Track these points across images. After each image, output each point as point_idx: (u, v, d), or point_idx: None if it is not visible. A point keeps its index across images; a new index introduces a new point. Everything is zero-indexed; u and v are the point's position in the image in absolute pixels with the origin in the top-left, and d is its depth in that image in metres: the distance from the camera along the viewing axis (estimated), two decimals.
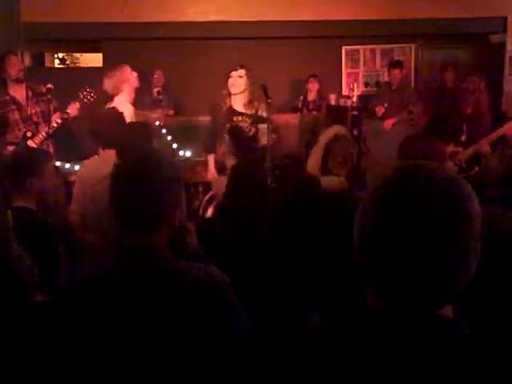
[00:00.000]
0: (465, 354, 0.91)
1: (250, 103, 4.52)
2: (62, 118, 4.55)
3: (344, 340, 0.96)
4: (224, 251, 2.59)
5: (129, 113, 4.27)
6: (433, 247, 0.91)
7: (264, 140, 4.37)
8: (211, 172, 4.45)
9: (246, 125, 4.52)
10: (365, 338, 0.94)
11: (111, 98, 4.33)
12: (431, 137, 2.96)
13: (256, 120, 4.46)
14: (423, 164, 0.98)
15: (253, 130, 4.48)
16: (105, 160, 3.01)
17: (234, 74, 4.51)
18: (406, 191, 0.93)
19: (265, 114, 4.39)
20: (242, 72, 4.51)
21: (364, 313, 0.98)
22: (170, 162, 1.68)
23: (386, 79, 7.14)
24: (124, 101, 4.33)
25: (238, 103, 4.54)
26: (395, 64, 6.77)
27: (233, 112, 4.52)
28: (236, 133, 4.05)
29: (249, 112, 4.53)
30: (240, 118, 4.52)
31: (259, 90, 4.47)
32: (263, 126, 4.39)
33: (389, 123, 6.33)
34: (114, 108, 3.83)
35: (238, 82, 4.50)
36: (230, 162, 3.91)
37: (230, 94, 4.50)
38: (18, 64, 4.68)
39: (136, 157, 1.64)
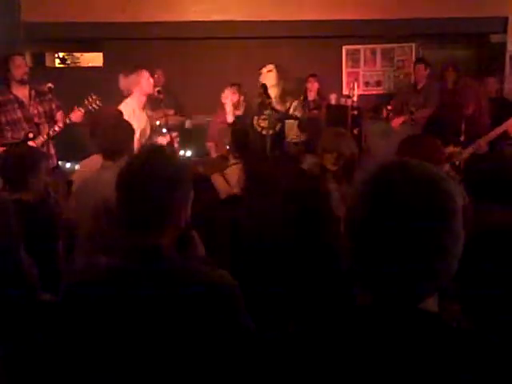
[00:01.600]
0: (447, 345, 0.93)
1: (281, 98, 4.62)
2: (64, 123, 4.57)
3: (336, 334, 0.97)
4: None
5: (134, 116, 4.29)
6: (412, 242, 0.93)
7: (292, 135, 4.46)
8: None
9: (273, 119, 4.60)
10: (352, 332, 0.96)
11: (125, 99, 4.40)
12: (431, 137, 2.96)
13: (284, 116, 4.57)
14: (406, 162, 1.00)
15: (279, 125, 4.57)
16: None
17: (263, 70, 4.66)
18: (387, 188, 0.95)
19: (298, 113, 4.50)
20: (270, 67, 4.64)
21: (351, 309, 1.00)
22: (177, 161, 1.65)
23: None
24: (132, 103, 4.36)
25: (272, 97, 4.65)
26: (418, 60, 6.73)
27: (265, 106, 4.60)
28: (238, 135, 4.06)
29: (280, 107, 4.63)
30: (269, 112, 4.60)
31: (292, 87, 4.58)
32: (291, 122, 4.50)
33: (396, 122, 6.29)
34: (114, 110, 3.84)
35: (268, 76, 4.63)
36: (231, 160, 3.94)
37: (265, 90, 4.59)
38: (23, 66, 4.69)
39: (143, 155, 1.62)
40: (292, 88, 7.38)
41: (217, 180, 3.88)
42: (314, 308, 2.13)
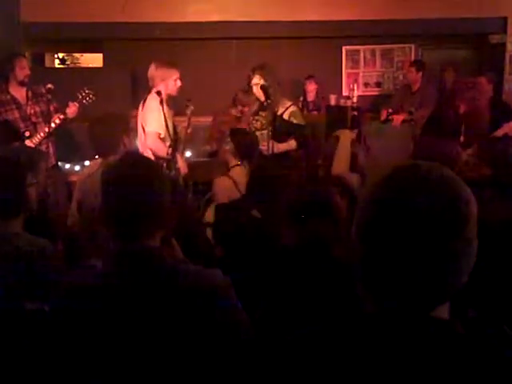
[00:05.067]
0: (457, 353, 0.91)
1: (277, 98, 4.48)
2: (60, 119, 4.56)
3: (339, 342, 0.96)
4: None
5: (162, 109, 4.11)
6: (423, 248, 0.91)
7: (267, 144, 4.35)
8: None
9: (260, 124, 4.52)
10: (359, 340, 0.95)
11: (149, 90, 4.27)
12: (446, 138, 2.97)
13: (275, 121, 4.41)
14: (420, 164, 0.97)
15: (269, 129, 4.44)
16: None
17: (252, 82, 4.50)
18: (399, 191, 0.93)
19: (294, 120, 4.42)
20: (256, 79, 4.49)
21: (359, 316, 0.99)
22: (157, 164, 1.67)
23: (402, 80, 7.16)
24: (155, 100, 4.14)
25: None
26: (411, 63, 6.76)
27: (262, 108, 4.53)
28: (237, 137, 4.04)
29: (264, 113, 4.52)
30: (263, 115, 4.52)
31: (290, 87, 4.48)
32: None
33: (397, 121, 6.30)
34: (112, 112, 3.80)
35: (256, 89, 4.49)
36: (232, 162, 3.91)
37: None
38: (26, 68, 4.70)
39: (126, 161, 1.62)
40: (288, 89, 7.38)
41: (222, 183, 3.81)
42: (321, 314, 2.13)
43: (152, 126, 4.15)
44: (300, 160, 5.43)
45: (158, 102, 4.08)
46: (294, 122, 4.52)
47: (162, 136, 4.15)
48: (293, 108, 4.56)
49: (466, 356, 0.91)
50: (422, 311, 0.94)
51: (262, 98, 4.51)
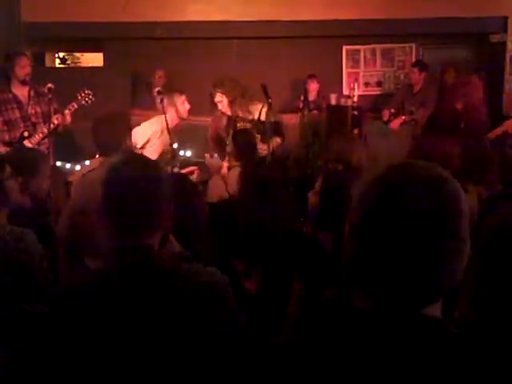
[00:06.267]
0: (449, 352, 0.91)
1: (243, 110, 4.50)
2: (57, 120, 4.56)
3: (332, 340, 0.96)
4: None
5: (161, 136, 4.22)
6: (416, 247, 0.91)
7: (267, 146, 4.33)
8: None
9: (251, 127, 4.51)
10: (351, 338, 0.95)
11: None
12: (442, 137, 2.97)
13: (256, 126, 4.41)
14: (414, 163, 0.98)
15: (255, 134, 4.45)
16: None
17: (215, 99, 4.53)
18: (393, 190, 0.94)
19: (263, 117, 4.39)
20: (218, 97, 4.52)
21: (352, 313, 0.98)
22: (158, 163, 1.68)
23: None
24: (162, 122, 4.22)
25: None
26: (413, 64, 6.76)
27: (235, 119, 4.54)
28: (238, 137, 4.04)
29: (249, 117, 4.51)
30: (242, 124, 4.52)
31: (253, 91, 4.48)
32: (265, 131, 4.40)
33: (396, 124, 6.30)
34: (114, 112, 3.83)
35: (221, 106, 4.52)
36: (232, 164, 3.94)
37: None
38: (27, 67, 4.69)
39: (128, 160, 1.62)
40: (289, 88, 7.37)
41: (215, 184, 3.86)
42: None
43: (142, 128, 4.23)
44: (301, 161, 5.44)
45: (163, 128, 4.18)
46: (272, 120, 4.52)
47: (137, 146, 4.19)
48: (264, 108, 4.52)
49: (457, 355, 0.91)
50: (414, 309, 0.94)
51: (229, 113, 4.56)
